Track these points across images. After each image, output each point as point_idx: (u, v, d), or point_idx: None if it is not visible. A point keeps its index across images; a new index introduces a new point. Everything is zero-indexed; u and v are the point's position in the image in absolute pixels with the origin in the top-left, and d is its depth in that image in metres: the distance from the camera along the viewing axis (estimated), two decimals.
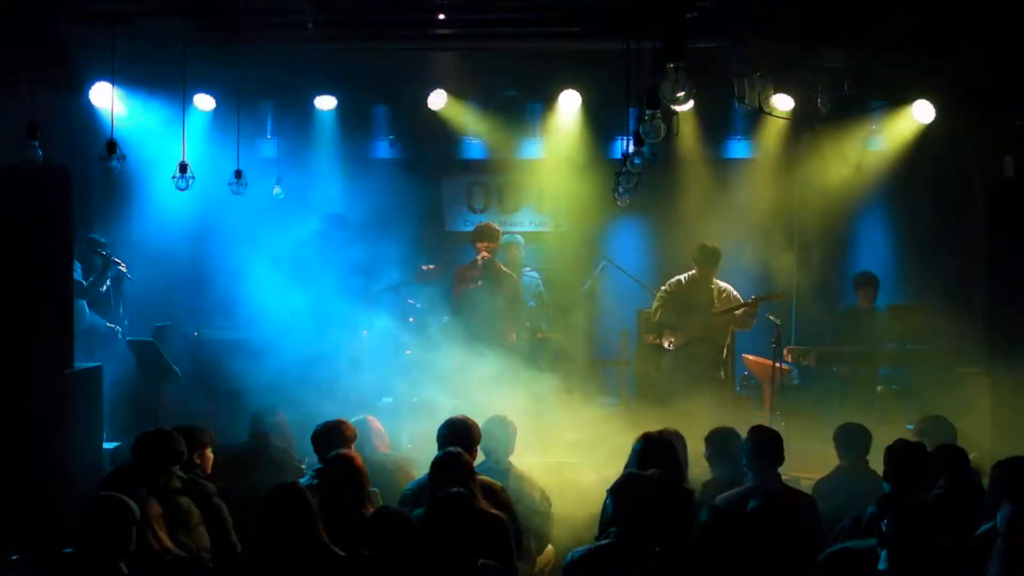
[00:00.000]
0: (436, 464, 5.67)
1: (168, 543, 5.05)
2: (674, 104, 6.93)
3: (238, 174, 10.05)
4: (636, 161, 8.25)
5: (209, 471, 6.07)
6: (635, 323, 10.72)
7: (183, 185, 8.99)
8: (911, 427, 7.13)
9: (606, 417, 9.78)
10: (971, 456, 5.99)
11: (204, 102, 10.56)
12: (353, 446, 6.14)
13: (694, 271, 9.82)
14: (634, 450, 5.86)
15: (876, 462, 5.98)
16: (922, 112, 10.33)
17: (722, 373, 9.76)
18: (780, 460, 5.95)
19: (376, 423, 6.97)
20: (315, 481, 5.77)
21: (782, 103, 9.72)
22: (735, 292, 9.79)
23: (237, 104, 10.29)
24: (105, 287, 9.77)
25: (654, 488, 4.89)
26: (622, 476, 5.22)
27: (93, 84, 9.89)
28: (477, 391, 8.92)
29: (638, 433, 6.00)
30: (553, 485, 6.70)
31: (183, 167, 8.91)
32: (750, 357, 10.34)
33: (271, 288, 10.16)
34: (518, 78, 10.78)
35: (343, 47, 9.60)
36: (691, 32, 7.17)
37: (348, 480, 5.52)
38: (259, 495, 5.01)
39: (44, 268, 7.36)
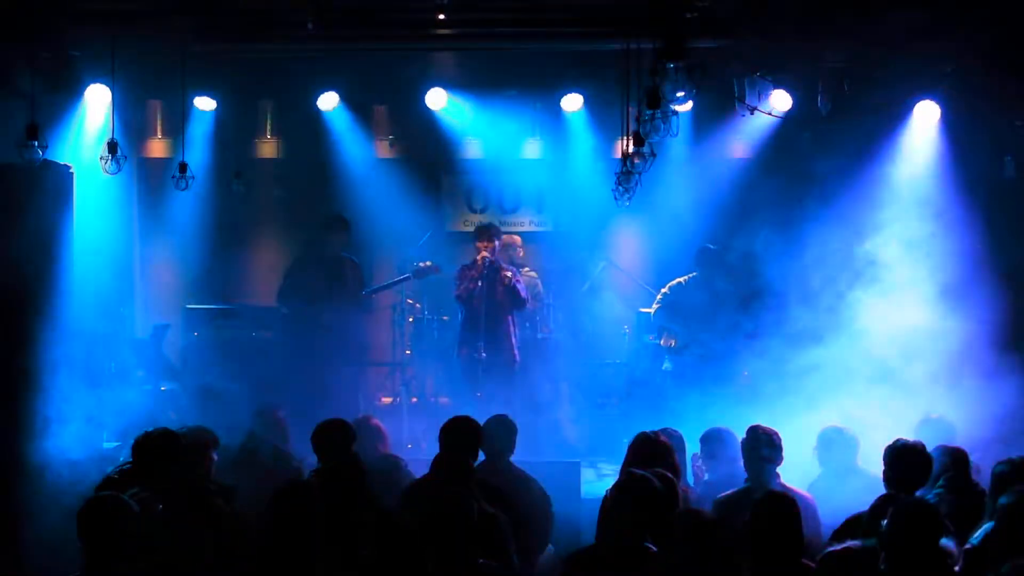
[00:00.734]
0: (436, 464, 5.67)
1: (168, 543, 5.05)
2: (674, 104, 6.94)
3: (238, 174, 10.05)
4: (636, 161, 8.24)
5: (210, 472, 6.07)
6: (635, 323, 10.73)
7: (183, 185, 8.99)
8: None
9: (605, 417, 9.80)
10: (971, 457, 6.00)
11: (204, 102, 10.56)
12: (353, 446, 6.14)
13: (695, 273, 9.82)
14: (632, 450, 5.87)
15: (872, 462, 5.98)
16: (922, 112, 10.32)
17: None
18: (779, 460, 5.95)
19: (376, 423, 6.98)
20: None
21: (782, 103, 9.71)
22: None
23: (237, 104, 10.29)
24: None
25: (652, 488, 4.90)
26: (620, 476, 5.23)
27: (93, 84, 9.90)
28: (478, 390, 8.94)
29: (636, 433, 6.02)
30: (553, 485, 6.70)
31: (183, 167, 8.91)
32: None
33: (270, 288, 10.17)
34: (518, 78, 10.78)
35: (343, 47, 9.59)
36: (691, 32, 7.16)
37: (348, 480, 5.52)
38: (259, 495, 5.01)
39: (44, 268, 7.37)
